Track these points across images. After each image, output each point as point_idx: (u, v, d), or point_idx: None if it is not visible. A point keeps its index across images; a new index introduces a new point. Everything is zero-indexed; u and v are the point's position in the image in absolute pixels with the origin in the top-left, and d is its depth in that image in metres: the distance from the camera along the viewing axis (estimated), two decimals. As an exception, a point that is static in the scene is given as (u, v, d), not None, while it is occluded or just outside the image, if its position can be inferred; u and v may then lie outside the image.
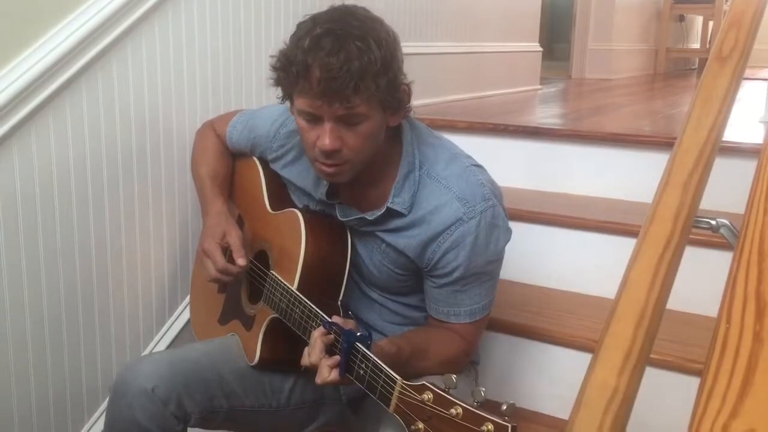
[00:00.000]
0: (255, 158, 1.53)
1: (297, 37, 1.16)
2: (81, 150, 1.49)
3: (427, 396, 0.97)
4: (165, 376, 1.28)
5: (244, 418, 1.38)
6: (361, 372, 1.08)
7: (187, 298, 1.77)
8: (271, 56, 1.20)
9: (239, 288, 1.49)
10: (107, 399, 1.59)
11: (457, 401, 0.93)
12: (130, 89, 1.56)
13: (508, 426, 0.88)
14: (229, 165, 1.58)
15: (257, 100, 1.86)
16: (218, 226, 1.44)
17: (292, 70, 1.14)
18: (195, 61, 1.69)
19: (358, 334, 1.11)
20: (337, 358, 1.11)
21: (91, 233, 1.54)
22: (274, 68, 1.19)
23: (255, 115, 1.55)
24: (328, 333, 1.14)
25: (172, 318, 1.77)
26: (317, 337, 1.14)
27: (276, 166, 1.47)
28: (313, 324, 1.20)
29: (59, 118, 1.44)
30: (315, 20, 1.17)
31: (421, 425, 0.96)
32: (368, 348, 1.09)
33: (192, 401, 1.30)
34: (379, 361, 1.06)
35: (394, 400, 1.02)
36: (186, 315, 1.77)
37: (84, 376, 1.58)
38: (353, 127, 1.17)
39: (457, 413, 0.92)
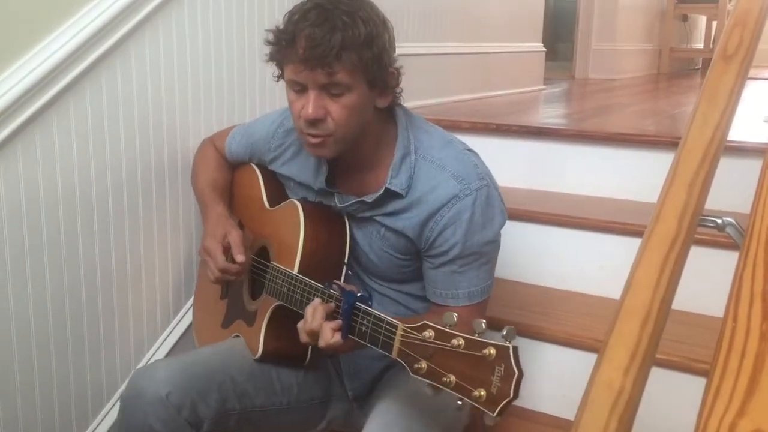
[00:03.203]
0: (253, 164, 1.56)
1: (290, 13, 1.22)
2: (85, 154, 1.49)
3: (429, 333, 0.98)
4: (179, 383, 1.29)
5: (255, 419, 1.38)
6: (363, 329, 1.10)
7: (191, 300, 1.77)
8: (266, 30, 1.25)
9: (241, 289, 1.49)
10: (112, 401, 1.61)
11: (458, 333, 0.95)
12: (134, 92, 1.56)
13: (509, 347, 0.90)
14: (228, 175, 1.61)
15: (261, 105, 1.86)
16: (219, 226, 1.45)
17: (282, 40, 1.21)
18: (199, 63, 1.69)
19: (359, 294, 1.14)
20: (339, 321, 1.14)
21: (95, 237, 1.54)
22: (268, 42, 1.24)
23: (253, 123, 1.61)
24: (327, 302, 1.17)
25: (176, 320, 1.77)
26: (317, 305, 1.17)
27: (275, 166, 1.49)
28: (315, 299, 1.21)
29: (63, 122, 1.43)
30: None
31: (423, 363, 0.98)
32: (369, 307, 1.11)
33: (205, 406, 1.30)
34: (380, 314, 1.08)
35: (396, 345, 1.03)
36: (190, 317, 1.77)
37: (88, 379, 1.58)
38: (337, 98, 1.20)
39: (459, 344, 0.94)
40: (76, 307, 1.53)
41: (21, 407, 1.45)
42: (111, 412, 1.60)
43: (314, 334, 1.16)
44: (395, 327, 1.04)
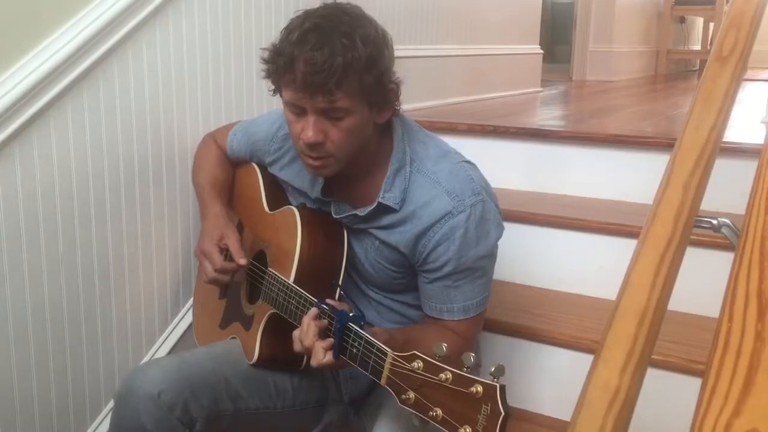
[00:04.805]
0: (254, 164, 1.55)
1: (287, 31, 1.19)
2: (83, 155, 1.49)
3: (417, 364, 0.98)
4: (171, 381, 1.28)
5: (249, 421, 1.38)
6: (354, 350, 1.10)
7: (190, 302, 1.77)
8: (262, 49, 1.23)
9: (239, 291, 1.49)
10: (110, 403, 1.60)
11: (446, 367, 0.95)
12: (132, 93, 1.57)
13: (496, 385, 0.90)
14: (228, 172, 1.60)
15: (258, 105, 1.86)
16: (216, 228, 1.45)
17: (279, 62, 1.18)
18: (196, 65, 1.70)
19: (351, 314, 1.13)
20: (331, 340, 1.13)
21: (93, 238, 1.54)
22: (264, 60, 1.22)
23: (254, 122, 1.59)
24: (320, 317, 1.16)
25: (175, 321, 1.77)
26: (309, 321, 1.16)
27: (274, 169, 1.48)
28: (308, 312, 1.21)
29: (61, 123, 1.44)
30: (306, 15, 1.20)
31: (411, 394, 0.98)
32: (361, 328, 1.10)
33: (198, 406, 1.30)
34: (371, 338, 1.07)
35: (385, 372, 1.03)
36: (188, 319, 1.77)
37: (86, 381, 1.58)
38: (336, 122, 1.19)
39: (447, 378, 0.94)
40: (74, 308, 1.53)
41: (19, 409, 1.45)
42: (110, 415, 1.60)
43: (307, 351, 1.16)
44: (385, 354, 1.04)
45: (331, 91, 1.14)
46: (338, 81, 1.13)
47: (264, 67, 1.22)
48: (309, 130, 1.18)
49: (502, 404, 0.89)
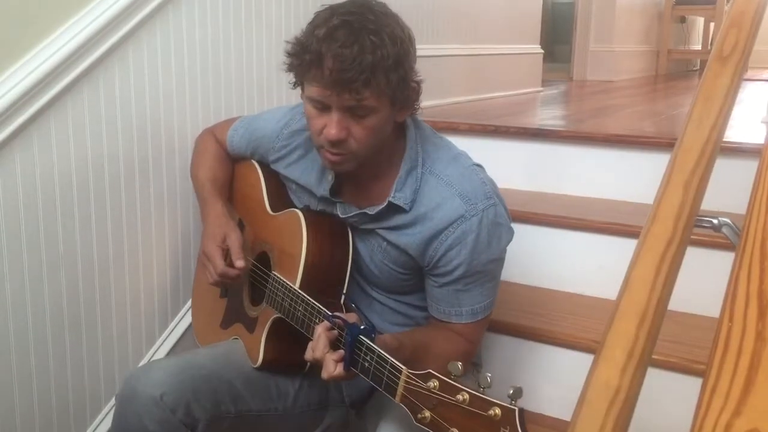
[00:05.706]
0: (254, 162, 1.54)
1: (313, 26, 1.18)
2: (83, 154, 1.49)
3: (433, 384, 0.97)
4: (173, 383, 1.28)
5: (251, 423, 1.38)
6: (366, 364, 1.09)
7: (190, 302, 1.77)
8: (286, 41, 1.22)
9: (241, 291, 1.49)
10: (110, 402, 1.61)
11: (463, 387, 0.94)
12: (132, 93, 1.57)
13: (515, 409, 0.89)
14: (228, 169, 1.59)
15: (259, 104, 1.86)
16: (218, 228, 1.44)
17: (306, 57, 1.16)
18: (196, 64, 1.70)
19: (362, 327, 1.11)
20: (341, 352, 1.11)
21: (93, 237, 1.54)
22: (288, 54, 1.20)
23: (256, 118, 1.57)
24: (332, 328, 1.14)
25: (174, 321, 1.77)
26: (321, 332, 1.14)
27: (278, 166, 1.47)
28: (317, 321, 1.20)
29: (61, 123, 1.44)
30: (333, 10, 1.18)
31: (427, 413, 0.97)
32: (372, 341, 1.09)
33: (200, 407, 1.29)
34: (384, 352, 1.06)
35: (399, 390, 1.02)
36: (188, 319, 1.77)
37: (86, 381, 1.58)
38: (360, 119, 1.18)
39: (464, 399, 0.93)
40: (74, 307, 1.53)
41: (19, 409, 1.45)
42: (109, 415, 1.60)
43: (318, 363, 1.15)
44: (399, 371, 1.03)
45: (358, 89, 1.13)
46: (366, 79, 1.12)
47: (287, 60, 1.21)
48: (333, 127, 1.18)
49: (521, 428, 0.88)
